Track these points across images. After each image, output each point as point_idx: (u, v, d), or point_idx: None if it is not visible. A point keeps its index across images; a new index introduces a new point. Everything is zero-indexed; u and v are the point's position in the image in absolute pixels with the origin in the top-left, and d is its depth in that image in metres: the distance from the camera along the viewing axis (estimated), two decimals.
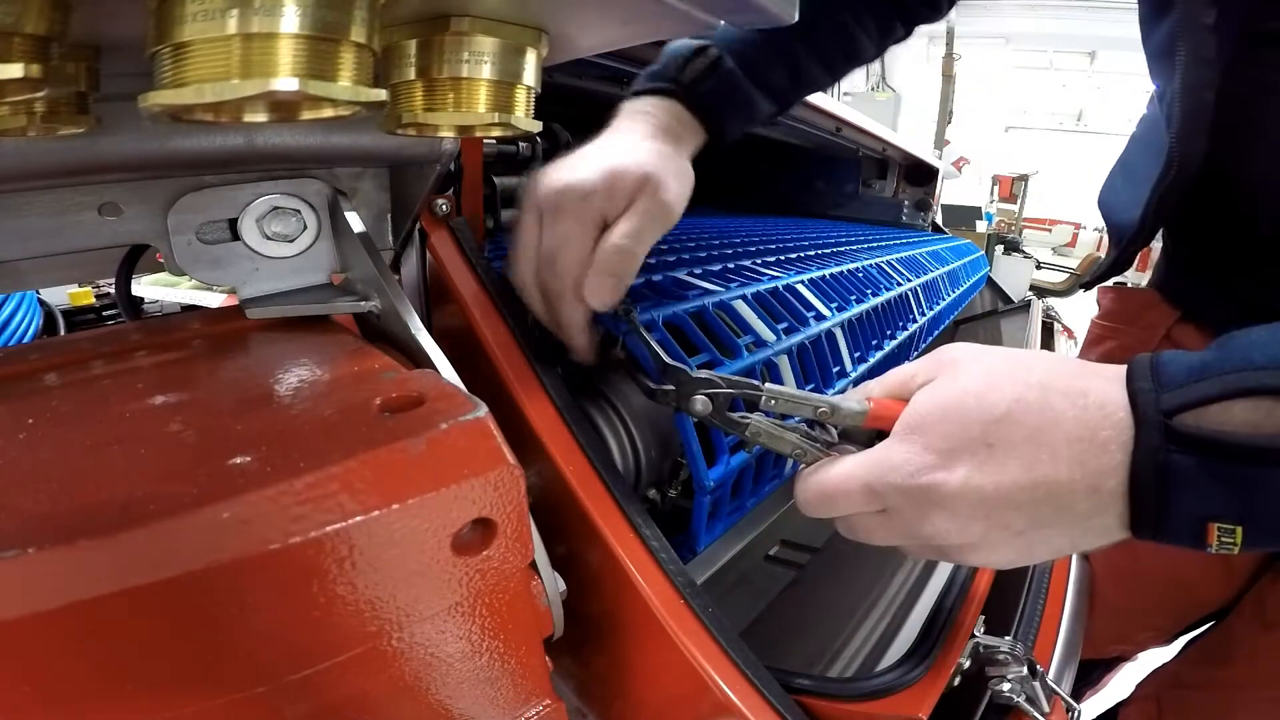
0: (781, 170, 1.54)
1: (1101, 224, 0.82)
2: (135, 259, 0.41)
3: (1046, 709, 0.40)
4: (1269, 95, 0.47)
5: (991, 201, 7.17)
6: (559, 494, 0.39)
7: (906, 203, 1.48)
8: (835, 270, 0.76)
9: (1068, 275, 6.34)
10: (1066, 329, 1.41)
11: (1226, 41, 0.46)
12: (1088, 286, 0.76)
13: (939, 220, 1.56)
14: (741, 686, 0.35)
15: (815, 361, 0.58)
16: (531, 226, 0.44)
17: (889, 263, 0.91)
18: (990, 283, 1.49)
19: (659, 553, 0.37)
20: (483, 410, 0.27)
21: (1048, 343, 1.24)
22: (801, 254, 0.83)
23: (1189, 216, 0.57)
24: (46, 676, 0.20)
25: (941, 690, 0.38)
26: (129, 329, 0.38)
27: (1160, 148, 0.53)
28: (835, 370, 0.61)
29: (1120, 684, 0.82)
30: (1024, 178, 7.23)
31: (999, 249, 5.66)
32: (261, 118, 0.22)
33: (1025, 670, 0.40)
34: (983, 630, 0.43)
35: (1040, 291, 5.36)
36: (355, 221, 0.40)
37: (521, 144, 0.62)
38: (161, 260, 0.38)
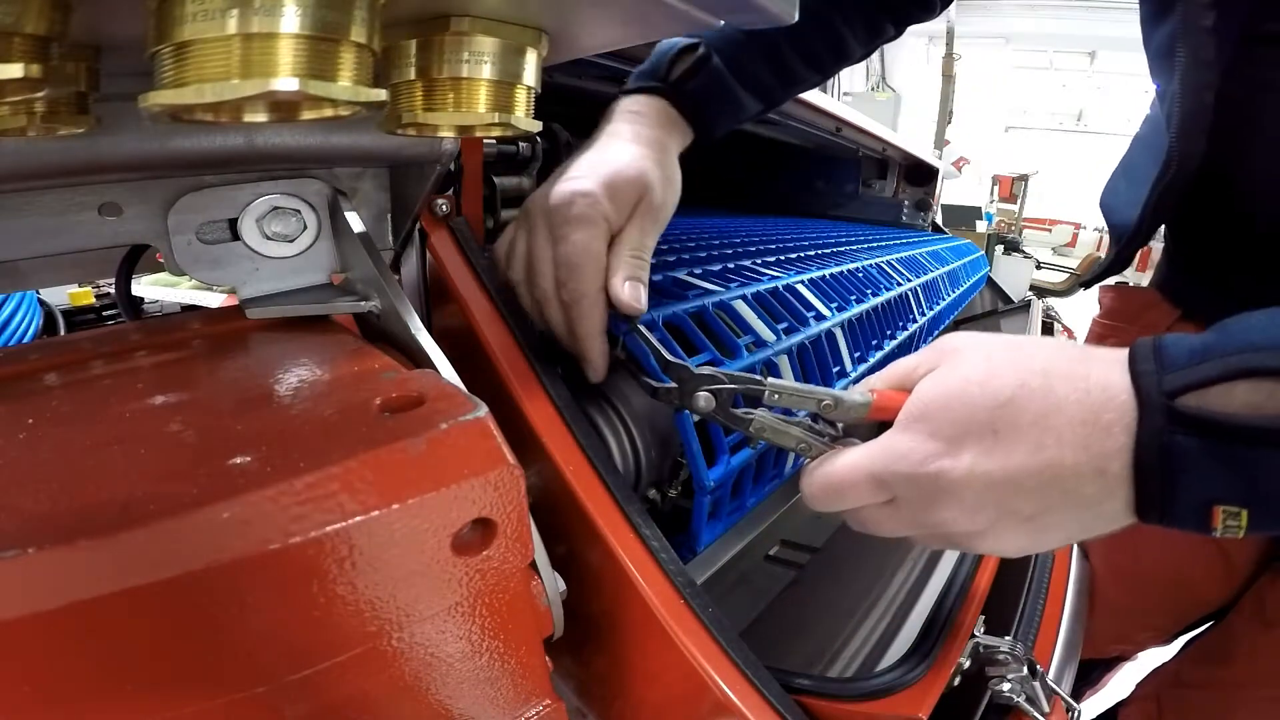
0: (781, 170, 1.54)
1: (1102, 224, 0.82)
2: (135, 259, 0.41)
3: (1046, 709, 0.40)
4: (1267, 95, 0.47)
5: (991, 201, 7.17)
6: (559, 494, 0.39)
7: (906, 203, 1.48)
8: (835, 270, 0.76)
9: (1068, 275, 6.34)
10: (1066, 329, 1.41)
11: (1226, 43, 0.46)
12: (1088, 285, 0.77)
13: (939, 220, 1.55)
14: (741, 686, 0.35)
15: (815, 361, 0.58)
16: (543, 242, 0.44)
17: (889, 263, 0.91)
18: (990, 283, 1.49)
19: (659, 553, 0.37)
20: (483, 410, 0.27)
21: None
22: (801, 254, 0.83)
23: (1188, 215, 0.57)
24: (47, 677, 0.20)
25: (941, 690, 0.38)
26: (129, 329, 0.38)
27: (1161, 148, 0.53)
28: (835, 370, 0.61)
29: (1120, 684, 0.82)
30: (1024, 178, 7.24)
31: (999, 249, 5.67)
32: (261, 118, 0.22)
33: (1025, 670, 0.40)
34: (983, 630, 0.43)
35: (1040, 291, 5.36)
36: (355, 221, 0.40)
37: (521, 144, 0.62)
38: (161, 260, 0.38)
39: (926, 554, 0.65)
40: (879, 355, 0.70)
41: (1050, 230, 8.04)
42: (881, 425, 0.35)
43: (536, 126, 0.30)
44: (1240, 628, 0.66)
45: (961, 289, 1.14)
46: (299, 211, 0.40)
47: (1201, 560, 0.69)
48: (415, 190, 0.45)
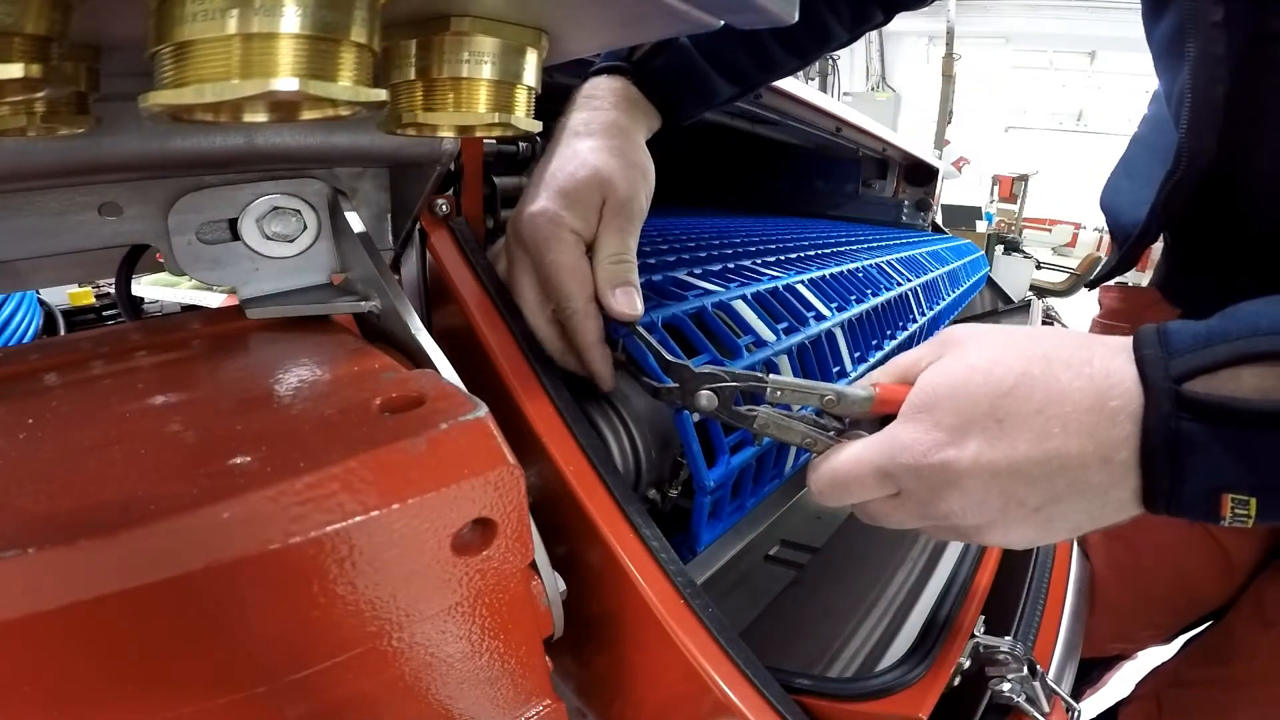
0: (781, 170, 1.54)
1: (1101, 224, 0.82)
2: (135, 259, 0.41)
3: (1046, 709, 0.40)
4: (1274, 94, 0.47)
5: (991, 201, 7.17)
6: (559, 494, 0.39)
7: (906, 203, 1.48)
8: (835, 270, 0.76)
9: (1068, 275, 6.34)
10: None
11: (1235, 39, 0.46)
12: (1092, 286, 0.76)
13: (939, 220, 1.55)
14: (741, 686, 0.35)
15: (815, 361, 0.58)
16: (521, 271, 0.45)
17: (889, 263, 0.91)
18: (990, 283, 1.49)
19: (659, 553, 0.37)
20: (483, 410, 0.27)
21: None
22: (801, 254, 0.83)
23: (1190, 214, 0.57)
24: (47, 677, 0.20)
25: (941, 690, 0.38)
26: (129, 329, 0.38)
27: (1165, 146, 0.53)
28: (835, 370, 0.61)
29: (1120, 683, 0.82)
30: (1024, 178, 7.23)
31: (999, 249, 5.66)
32: (261, 118, 0.22)
33: (1025, 670, 0.40)
34: (983, 630, 0.43)
35: (1040, 291, 5.36)
36: (355, 221, 0.40)
37: (521, 144, 0.62)
38: (161, 260, 0.38)
39: (926, 554, 0.65)
40: (879, 355, 0.70)
41: (1050, 230, 8.04)
42: (886, 419, 0.35)
43: (537, 126, 0.30)
44: (1240, 626, 0.66)
45: (961, 289, 1.14)
46: (299, 211, 0.40)
47: (1201, 559, 0.69)
48: (415, 190, 0.45)
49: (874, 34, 8.72)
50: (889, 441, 0.33)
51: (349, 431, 0.26)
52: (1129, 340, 0.30)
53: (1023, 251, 6.08)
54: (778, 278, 0.65)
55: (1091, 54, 8.15)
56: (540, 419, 0.41)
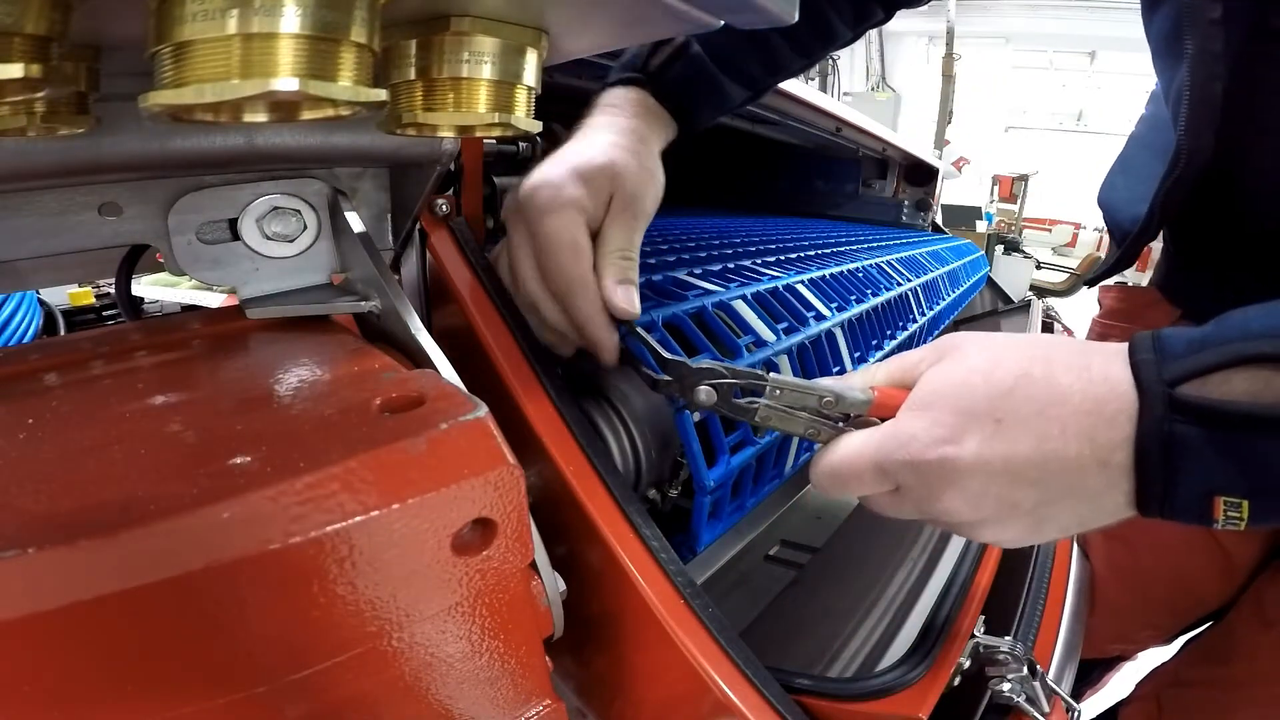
0: (781, 170, 1.54)
1: (1102, 224, 0.82)
2: (135, 259, 0.41)
3: (1046, 709, 0.40)
4: (1273, 92, 0.47)
5: (991, 201, 7.17)
6: (559, 494, 0.39)
7: (906, 203, 1.48)
8: (835, 270, 0.76)
9: (1068, 275, 6.34)
10: (1066, 329, 1.41)
11: (1234, 36, 0.46)
12: (1091, 284, 0.76)
13: (939, 220, 1.55)
14: (741, 686, 0.35)
15: (815, 361, 0.58)
16: (521, 241, 0.44)
17: (889, 263, 0.91)
18: (990, 283, 1.49)
19: (659, 553, 0.37)
20: (483, 410, 0.27)
21: None
22: (801, 254, 0.83)
23: (1188, 211, 0.57)
24: (47, 677, 0.20)
25: (941, 690, 0.38)
26: (129, 329, 0.38)
27: (1163, 144, 0.53)
28: (835, 370, 0.61)
29: (1120, 683, 0.82)
30: (1024, 178, 7.23)
31: (999, 249, 5.66)
32: (261, 118, 0.22)
33: (1025, 670, 0.40)
34: (983, 630, 0.43)
35: (1040, 291, 5.36)
36: (355, 221, 0.40)
37: (521, 144, 0.62)
38: (161, 260, 0.38)
39: (926, 554, 0.65)
40: (879, 355, 0.70)
41: (1050, 230, 8.04)
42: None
43: (537, 126, 0.30)
44: (1240, 627, 0.66)
45: (961, 289, 1.14)
46: (299, 211, 0.40)
47: (1201, 559, 0.69)
48: (415, 190, 0.45)
49: (874, 34, 8.72)
50: (889, 436, 0.33)
51: (349, 431, 0.26)
52: (1125, 346, 0.31)
53: (1023, 251, 6.08)
54: (778, 278, 0.65)
55: (1091, 54, 8.15)
56: (540, 419, 0.41)
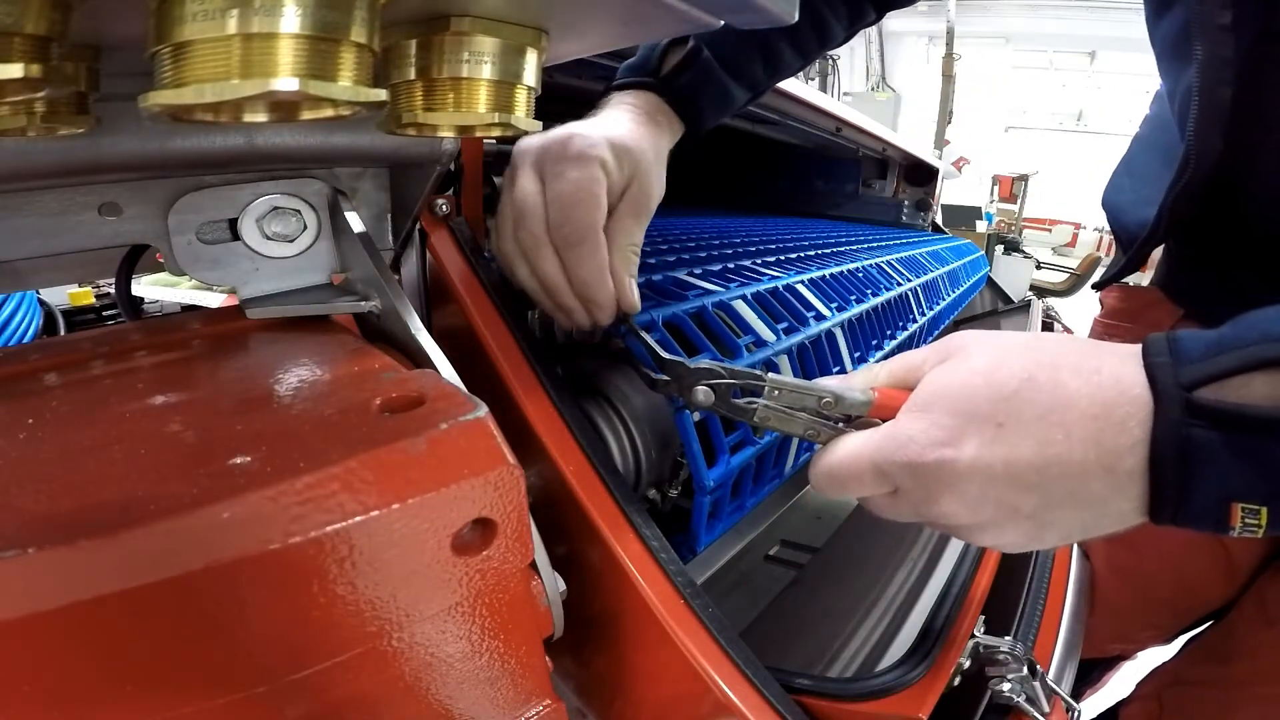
0: (781, 170, 1.54)
1: (1102, 224, 0.82)
2: (135, 259, 0.41)
3: (1046, 709, 0.40)
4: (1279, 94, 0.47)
5: (991, 201, 7.17)
6: (559, 494, 0.39)
7: (906, 203, 1.48)
8: (835, 270, 0.76)
9: (1068, 275, 6.34)
10: (1066, 329, 1.41)
11: (1243, 41, 0.46)
12: (1098, 287, 0.76)
13: (939, 220, 1.55)
14: (741, 686, 0.35)
15: (815, 361, 0.58)
16: (531, 184, 0.42)
17: (889, 263, 0.91)
18: (990, 283, 1.49)
19: (659, 553, 0.37)
20: (483, 410, 0.27)
21: None
22: (801, 254, 0.83)
23: (1194, 215, 0.57)
24: (47, 677, 0.20)
25: (941, 690, 0.38)
26: (129, 329, 0.38)
27: (1168, 145, 0.53)
28: (835, 370, 0.61)
29: (1121, 683, 0.82)
30: (1024, 178, 7.23)
31: (999, 249, 5.66)
32: (261, 118, 0.22)
33: (1025, 670, 0.40)
34: (983, 630, 0.43)
35: (1040, 291, 5.36)
36: (355, 221, 0.40)
37: None
38: (161, 260, 0.38)
39: (926, 554, 0.65)
40: (879, 355, 0.71)
41: (1050, 230, 8.05)
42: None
43: (537, 126, 0.30)
44: (1241, 626, 0.66)
45: (961, 289, 1.14)
46: (299, 211, 0.40)
47: (1203, 559, 0.69)
48: (415, 190, 0.45)
49: (874, 34, 8.73)
50: (887, 438, 0.33)
51: (349, 431, 0.26)
52: (1138, 348, 0.30)
53: (1023, 251, 6.07)
54: (778, 278, 0.65)
55: (1091, 54, 8.15)
56: (540, 419, 0.41)
